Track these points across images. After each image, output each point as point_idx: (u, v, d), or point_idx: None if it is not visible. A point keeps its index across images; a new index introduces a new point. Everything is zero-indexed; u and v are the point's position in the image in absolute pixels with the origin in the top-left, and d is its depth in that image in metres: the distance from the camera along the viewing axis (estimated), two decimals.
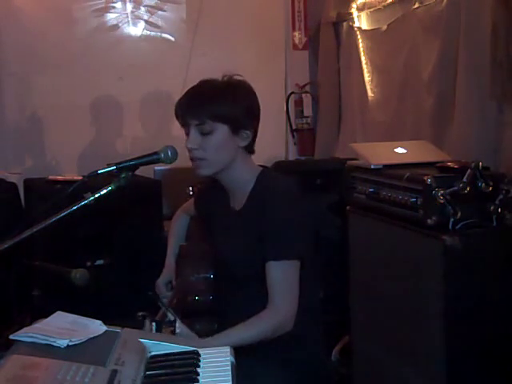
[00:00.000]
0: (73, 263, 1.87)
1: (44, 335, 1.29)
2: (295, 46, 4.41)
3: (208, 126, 1.83)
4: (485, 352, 2.05)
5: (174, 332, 1.64)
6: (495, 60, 2.50)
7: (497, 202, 2.10)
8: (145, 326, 1.75)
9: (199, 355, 1.40)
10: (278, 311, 1.76)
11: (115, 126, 4.23)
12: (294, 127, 4.39)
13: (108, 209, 2.53)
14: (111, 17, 4.15)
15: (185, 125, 1.88)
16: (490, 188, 2.10)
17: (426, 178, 2.10)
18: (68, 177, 3.44)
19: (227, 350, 1.43)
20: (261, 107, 1.94)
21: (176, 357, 1.39)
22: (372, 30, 3.72)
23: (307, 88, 4.39)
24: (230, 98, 1.85)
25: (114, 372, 1.20)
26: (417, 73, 3.18)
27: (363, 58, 3.79)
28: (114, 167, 1.70)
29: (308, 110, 4.36)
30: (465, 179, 2.07)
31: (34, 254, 2.74)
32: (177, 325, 1.65)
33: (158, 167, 3.64)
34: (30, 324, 1.38)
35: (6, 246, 1.58)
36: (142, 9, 4.20)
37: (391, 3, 3.47)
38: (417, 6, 3.19)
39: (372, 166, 2.44)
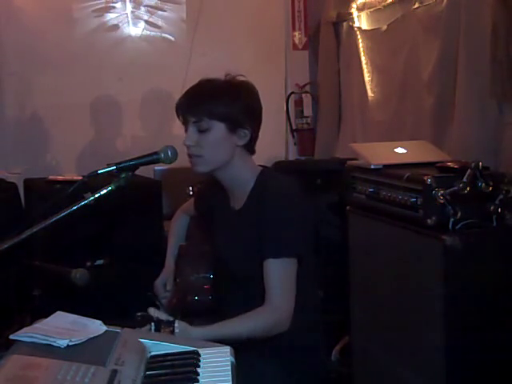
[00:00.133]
0: (73, 263, 1.88)
1: (44, 335, 1.29)
2: (295, 46, 4.41)
3: (205, 123, 1.84)
4: (485, 352, 2.05)
5: (172, 332, 1.64)
6: (495, 60, 2.50)
7: (497, 201, 2.10)
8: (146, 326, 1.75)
9: (199, 355, 1.39)
10: (275, 308, 1.76)
11: (115, 126, 4.23)
12: (294, 127, 4.39)
13: (108, 209, 2.53)
14: (111, 17, 4.15)
15: (184, 122, 1.90)
16: (490, 188, 2.10)
17: (426, 178, 2.10)
18: (68, 177, 3.44)
19: (227, 349, 1.43)
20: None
21: (176, 357, 1.39)
22: (372, 29, 3.72)
23: (307, 88, 4.39)
24: (227, 97, 1.86)
25: (114, 372, 1.19)
26: (417, 73, 3.18)
27: (363, 58, 3.79)
28: (114, 167, 1.70)
29: (308, 110, 4.36)
30: (465, 179, 2.07)
31: (33, 253, 2.75)
32: (176, 324, 1.65)
33: (158, 167, 3.64)
34: (30, 324, 1.38)
35: (5, 245, 1.58)
36: (142, 9, 4.20)
37: (391, 3, 3.47)
38: (417, 6, 3.19)
39: (372, 166, 2.44)
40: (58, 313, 1.45)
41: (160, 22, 4.24)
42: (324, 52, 4.27)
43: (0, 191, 3.29)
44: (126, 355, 1.29)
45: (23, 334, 1.30)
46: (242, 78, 1.93)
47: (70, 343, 1.29)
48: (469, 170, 2.08)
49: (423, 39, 3.13)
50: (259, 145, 1.97)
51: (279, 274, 1.79)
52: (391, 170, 2.38)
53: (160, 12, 4.23)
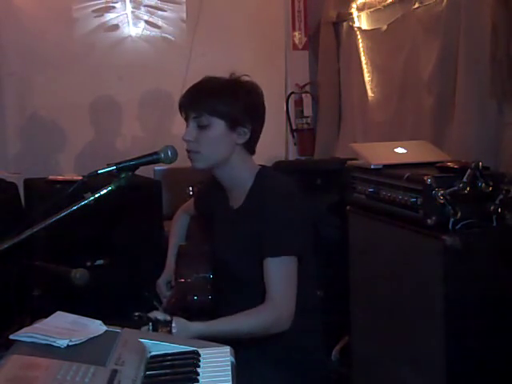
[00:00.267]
0: (73, 263, 1.87)
1: (44, 335, 1.29)
2: (295, 46, 4.41)
3: (205, 119, 1.85)
4: (485, 352, 2.05)
5: (170, 332, 1.64)
6: (495, 60, 2.50)
7: (497, 201, 2.10)
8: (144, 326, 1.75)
9: (199, 355, 1.39)
10: (275, 306, 1.76)
11: (115, 126, 4.23)
12: (294, 127, 4.39)
13: (108, 209, 2.53)
14: (111, 17, 4.15)
15: (186, 118, 1.91)
16: (490, 188, 2.10)
17: (426, 178, 2.10)
18: (68, 177, 3.44)
19: (227, 349, 1.43)
20: None
21: (176, 357, 1.39)
22: (372, 29, 3.72)
23: (307, 88, 4.39)
24: (229, 95, 1.87)
25: (114, 372, 1.19)
26: (417, 73, 3.18)
27: (363, 58, 3.79)
28: (114, 167, 1.70)
29: (308, 110, 4.36)
30: (465, 179, 2.07)
31: (33, 253, 2.74)
32: (173, 324, 1.65)
33: (158, 167, 3.64)
34: (30, 324, 1.38)
35: (5, 245, 1.58)
36: (142, 9, 4.20)
37: (391, 3, 3.47)
38: (417, 6, 3.19)
39: (372, 166, 2.44)
40: (58, 313, 1.45)
41: (160, 22, 4.24)
42: (324, 52, 4.27)
43: (0, 191, 3.29)
44: (126, 355, 1.29)
45: (23, 334, 1.30)
46: (246, 78, 1.94)
47: (70, 343, 1.29)
48: (469, 170, 2.09)
49: (423, 39, 3.13)
50: (259, 145, 1.97)
51: (279, 272, 1.79)
52: (391, 170, 2.38)
53: (160, 12, 4.23)
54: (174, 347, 1.43)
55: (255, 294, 1.81)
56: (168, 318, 1.67)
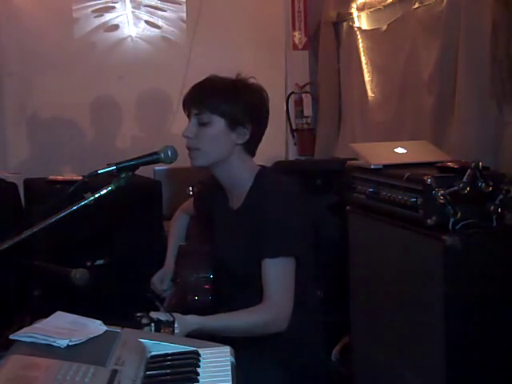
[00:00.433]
0: (73, 263, 1.87)
1: (44, 335, 1.29)
2: (295, 46, 4.41)
3: (206, 116, 1.86)
4: (485, 352, 2.05)
5: (173, 332, 1.64)
6: (495, 60, 2.49)
7: (497, 201, 2.10)
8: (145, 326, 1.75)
9: (199, 355, 1.39)
10: (273, 305, 1.77)
11: (115, 126, 4.23)
12: (294, 127, 4.39)
13: (108, 209, 2.52)
14: (111, 17, 4.15)
15: (188, 115, 1.92)
16: (490, 188, 2.10)
17: (426, 177, 2.10)
18: (68, 177, 3.44)
19: (227, 349, 1.43)
20: None
21: (176, 357, 1.39)
22: (372, 29, 3.72)
23: (307, 88, 4.39)
24: (231, 94, 1.88)
25: (114, 372, 1.19)
26: (417, 73, 3.18)
27: (363, 58, 3.79)
28: (114, 167, 1.70)
29: (308, 110, 4.36)
30: (465, 179, 2.07)
31: (34, 253, 2.74)
32: (175, 325, 1.65)
33: (158, 167, 3.63)
34: (30, 324, 1.38)
35: (5, 245, 1.58)
36: (142, 9, 4.20)
37: (391, 3, 3.47)
38: (417, 6, 3.19)
39: (372, 166, 2.44)
40: (58, 313, 1.45)
41: (160, 22, 4.23)
42: (324, 52, 4.27)
43: (0, 191, 3.29)
44: (126, 355, 1.29)
45: (23, 334, 1.30)
46: (252, 80, 1.94)
47: (70, 343, 1.29)
48: (469, 170, 2.09)
49: (423, 39, 3.13)
50: (259, 145, 1.97)
51: (277, 273, 1.79)
52: (391, 170, 2.38)
53: (160, 12, 4.23)
54: (174, 347, 1.43)
55: (255, 294, 1.81)
56: (170, 318, 1.67)
